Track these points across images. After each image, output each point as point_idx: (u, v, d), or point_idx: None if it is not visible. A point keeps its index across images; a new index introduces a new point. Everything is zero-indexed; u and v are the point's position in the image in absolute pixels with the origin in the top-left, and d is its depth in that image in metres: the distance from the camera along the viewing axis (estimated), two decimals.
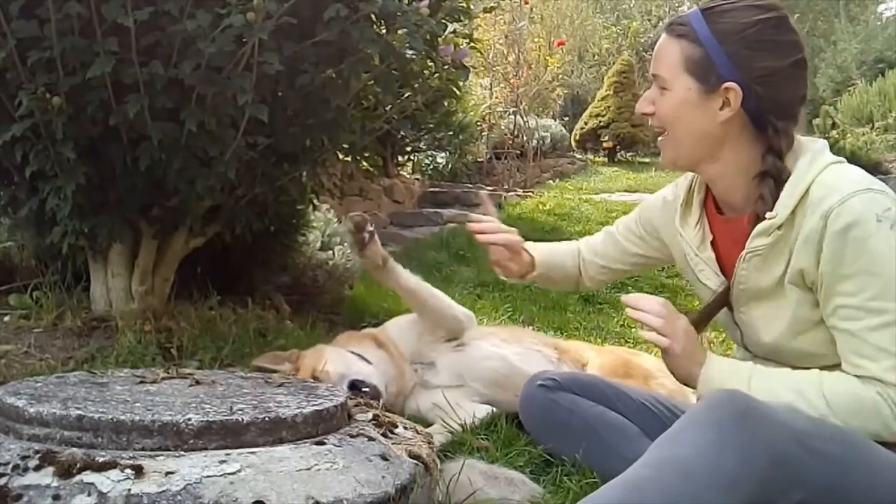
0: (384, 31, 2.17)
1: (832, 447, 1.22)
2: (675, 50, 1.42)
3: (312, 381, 1.85)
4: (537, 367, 2.14)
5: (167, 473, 1.15)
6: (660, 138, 1.51)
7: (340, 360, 2.00)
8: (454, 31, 2.43)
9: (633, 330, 3.80)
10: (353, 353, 2.07)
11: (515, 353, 2.21)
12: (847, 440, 1.26)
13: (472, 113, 8.63)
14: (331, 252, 3.62)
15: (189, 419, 1.26)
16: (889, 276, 1.27)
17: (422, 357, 2.18)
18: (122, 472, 1.14)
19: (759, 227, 1.40)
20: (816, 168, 1.36)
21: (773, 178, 1.39)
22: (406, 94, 2.51)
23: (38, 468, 1.16)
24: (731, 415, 1.13)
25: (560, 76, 10.88)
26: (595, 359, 2.29)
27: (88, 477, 1.13)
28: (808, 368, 1.39)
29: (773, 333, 1.46)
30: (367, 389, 1.88)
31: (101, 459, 1.16)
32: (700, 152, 1.46)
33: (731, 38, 1.38)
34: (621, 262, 1.85)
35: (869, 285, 1.28)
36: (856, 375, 1.31)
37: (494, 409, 2.08)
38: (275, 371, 2.01)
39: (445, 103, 5.18)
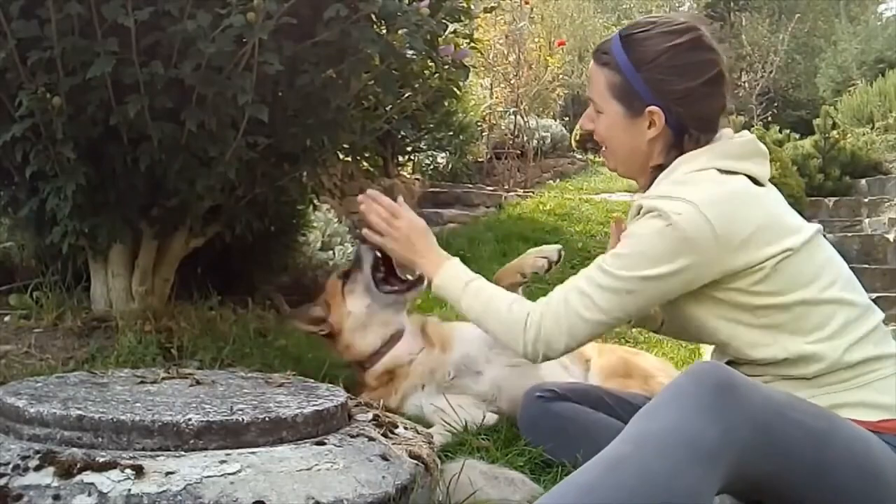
0: (384, 31, 2.16)
1: (812, 420, 1.24)
2: (601, 77, 1.55)
3: None
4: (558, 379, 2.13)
5: (167, 473, 1.15)
6: (602, 149, 1.65)
7: None
8: (454, 31, 2.43)
9: (633, 330, 3.80)
10: None
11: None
12: (825, 415, 1.28)
13: (472, 113, 8.60)
14: (331, 252, 3.62)
15: (189, 419, 1.26)
16: (631, 254, 1.45)
17: (474, 364, 2.15)
18: (123, 472, 1.14)
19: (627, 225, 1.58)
20: (662, 184, 1.51)
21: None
22: (406, 94, 2.51)
23: (38, 468, 1.16)
24: (711, 386, 1.15)
25: (560, 76, 10.84)
26: (597, 359, 2.29)
27: (89, 477, 1.13)
28: (709, 342, 1.57)
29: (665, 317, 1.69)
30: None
31: (101, 459, 1.17)
32: (634, 165, 1.61)
33: (646, 65, 1.50)
34: None
35: (625, 246, 1.47)
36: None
37: (497, 417, 2.08)
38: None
39: (445, 103, 5.18)
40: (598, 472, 1.11)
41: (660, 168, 1.55)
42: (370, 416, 1.58)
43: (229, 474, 1.17)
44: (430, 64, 2.44)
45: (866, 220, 7.03)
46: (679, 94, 1.48)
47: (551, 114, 12.10)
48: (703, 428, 1.10)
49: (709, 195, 1.42)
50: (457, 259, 1.73)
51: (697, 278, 1.42)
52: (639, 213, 1.48)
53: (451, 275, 1.68)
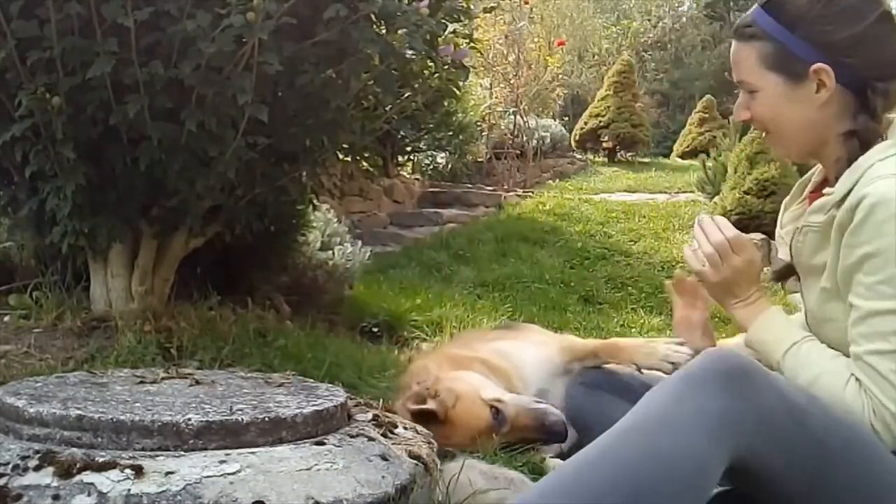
0: (384, 31, 2.17)
1: (818, 426, 1.22)
2: (751, 52, 1.41)
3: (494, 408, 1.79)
4: None
5: (167, 473, 1.15)
6: (764, 135, 1.48)
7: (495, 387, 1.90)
8: (454, 31, 2.43)
9: (633, 330, 3.80)
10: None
11: None
12: (834, 425, 1.25)
13: (472, 113, 8.61)
14: (331, 252, 3.62)
15: (189, 419, 1.26)
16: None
17: (544, 384, 2.06)
18: (122, 472, 1.14)
19: (816, 203, 1.38)
20: (882, 154, 1.31)
21: (861, 139, 1.35)
22: (406, 94, 2.51)
23: (38, 468, 1.16)
24: (722, 371, 1.14)
25: (560, 76, 10.86)
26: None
27: (88, 477, 1.13)
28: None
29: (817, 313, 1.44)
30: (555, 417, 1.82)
31: (101, 459, 1.17)
32: (809, 140, 1.43)
33: (800, 22, 1.35)
34: None
35: (882, 269, 1.25)
36: (853, 353, 1.30)
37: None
38: (427, 411, 1.82)
39: (445, 103, 5.16)
40: (604, 445, 1.11)
41: (852, 135, 1.35)
42: (370, 416, 1.58)
43: (229, 474, 1.17)
44: (430, 64, 2.44)
45: None
46: (847, 42, 1.33)
47: (551, 114, 12.11)
48: (707, 403, 1.10)
49: None
50: (777, 308, 1.49)
51: None
52: (859, 204, 1.26)
53: (769, 330, 1.45)
